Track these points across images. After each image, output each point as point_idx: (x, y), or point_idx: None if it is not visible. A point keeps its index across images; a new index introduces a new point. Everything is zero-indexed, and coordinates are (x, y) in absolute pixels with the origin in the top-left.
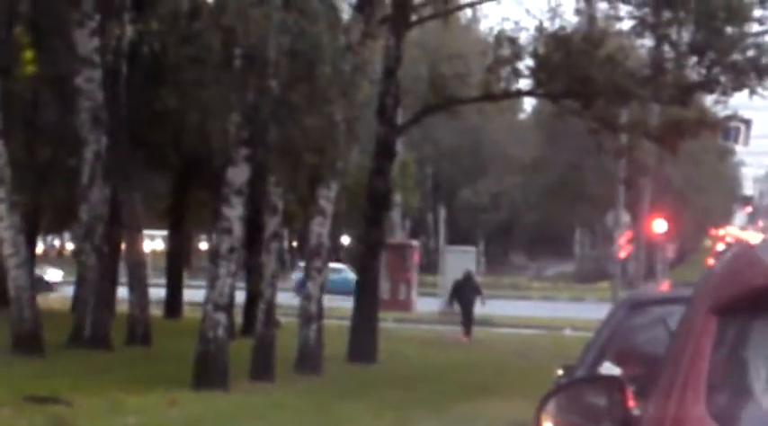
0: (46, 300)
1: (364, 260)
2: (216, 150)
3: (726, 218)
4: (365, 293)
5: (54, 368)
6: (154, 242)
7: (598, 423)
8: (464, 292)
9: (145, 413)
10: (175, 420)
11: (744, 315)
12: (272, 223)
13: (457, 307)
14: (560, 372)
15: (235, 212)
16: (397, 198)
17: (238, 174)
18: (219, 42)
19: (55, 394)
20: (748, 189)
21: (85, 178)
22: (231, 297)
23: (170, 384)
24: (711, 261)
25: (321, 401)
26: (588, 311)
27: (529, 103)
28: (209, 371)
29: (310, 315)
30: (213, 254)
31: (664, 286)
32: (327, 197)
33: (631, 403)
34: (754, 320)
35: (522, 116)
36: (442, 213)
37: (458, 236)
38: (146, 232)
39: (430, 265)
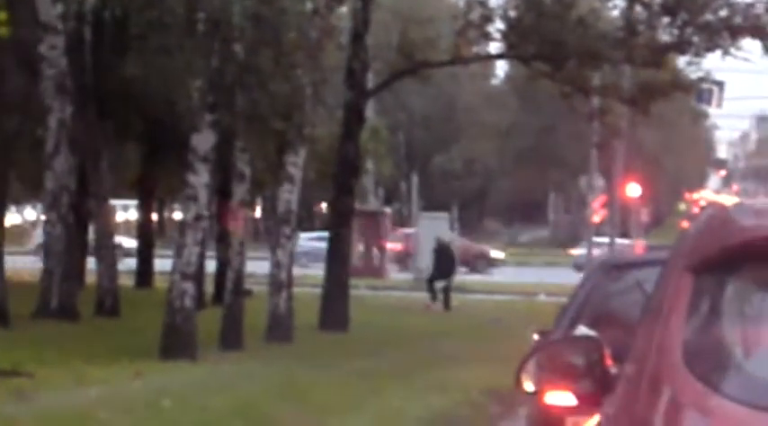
0: (16, 271)
1: (334, 227)
2: (181, 117)
3: (700, 182)
4: (335, 260)
5: (18, 340)
6: (128, 212)
7: (577, 382)
8: (442, 261)
9: (108, 385)
10: (139, 391)
11: (718, 273)
12: (239, 190)
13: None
14: (536, 337)
15: (200, 179)
16: (370, 165)
17: (203, 141)
18: (183, 6)
19: (17, 366)
20: (722, 152)
21: (50, 146)
22: (201, 265)
23: (137, 355)
24: (686, 225)
25: (289, 370)
26: (562, 276)
27: (501, 69)
28: (176, 341)
29: (280, 283)
30: (180, 223)
31: (638, 248)
32: (295, 163)
33: (609, 361)
34: (728, 278)
35: (494, 82)
36: (415, 180)
37: (432, 203)
38: (120, 202)
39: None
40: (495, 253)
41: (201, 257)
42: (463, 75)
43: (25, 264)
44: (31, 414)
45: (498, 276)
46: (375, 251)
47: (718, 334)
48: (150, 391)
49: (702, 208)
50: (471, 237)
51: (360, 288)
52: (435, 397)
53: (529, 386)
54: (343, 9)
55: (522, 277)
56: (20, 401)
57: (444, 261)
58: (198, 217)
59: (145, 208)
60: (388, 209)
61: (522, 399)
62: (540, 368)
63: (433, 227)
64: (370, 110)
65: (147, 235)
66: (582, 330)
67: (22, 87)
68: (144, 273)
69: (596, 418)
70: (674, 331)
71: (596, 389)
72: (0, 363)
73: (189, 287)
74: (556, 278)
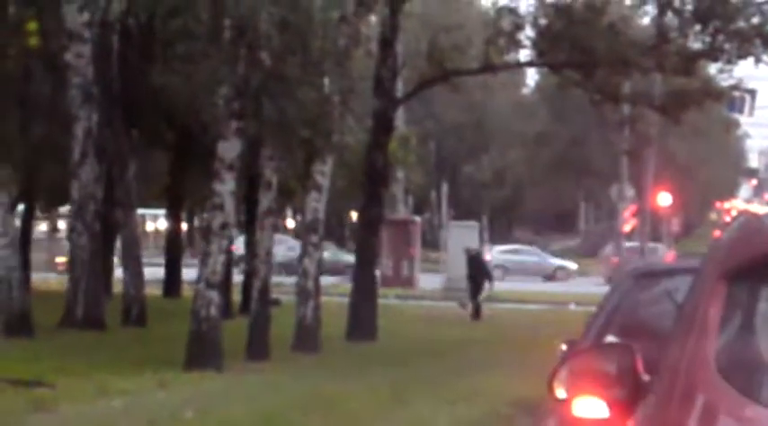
0: (45, 281)
1: (362, 236)
2: (205, 124)
3: (731, 192)
4: (364, 270)
5: (43, 350)
6: (157, 221)
7: (609, 390)
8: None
9: (131, 396)
10: (162, 402)
11: (752, 281)
12: (265, 199)
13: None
14: (564, 347)
15: (226, 187)
16: (399, 174)
17: (229, 149)
18: (208, 13)
19: (40, 376)
20: (753, 161)
21: (76, 155)
22: (229, 274)
23: (162, 365)
24: (718, 233)
25: (316, 381)
26: (593, 285)
27: (532, 78)
28: (201, 351)
29: (307, 293)
30: (205, 231)
31: (669, 257)
32: (322, 171)
33: (641, 369)
34: (763, 286)
35: (525, 91)
36: (445, 189)
37: (462, 212)
38: (149, 211)
39: (434, 241)
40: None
41: (228, 266)
42: (494, 84)
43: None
44: None
45: (529, 285)
46: (405, 260)
47: (754, 343)
48: (173, 402)
49: (734, 217)
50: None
51: (389, 298)
52: (463, 408)
53: (561, 393)
54: (372, 18)
55: (553, 286)
56: (40, 412)
57: (477, 270)
58: (224, 226)
59: (173, 218)
60: (417, 218)
61: (551, 409)
62: (572, 376)
63: (463, 236)
64: (399, 119)
65: (174, 243)
66: (611, 340)
67: (49, 96)
68: (172, 282)
69: None
70: (708, 339)
71: (628, 397)
72: (22, 373)
73: (214, 295)
74: (586, 287)
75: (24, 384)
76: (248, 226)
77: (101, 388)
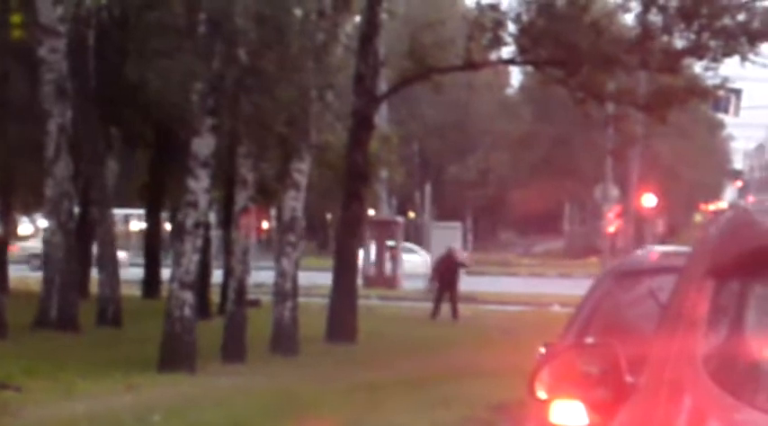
0: (23, 282)
1: (342, 236)
2: (179, 120)
3: (716, 193)
4: (343, 270)
5: (14, 352)
6: (143, 221)
7: (591, 392)
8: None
9: (98, 399)
10: (128, 406)
11: (741, 276)
12: (241, 197)
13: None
14: (543, 350)
15: (201, 185)
16: (383, 173)
17: (203, 145)
18: (183, 6)
19: (8, 378)
20: (738, 163)
21: (50, 152)
22: (206, 274)
23: (134, 367)
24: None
25: (290, 383)
26: (576, 287)
27: (516, 78)
28: (175, 353)
29: (285, 293)
30: (178, 230)
31: (652, 255)
32: (300, 170)
33: (625, 370)
34: (752, 281)
35: (509, 91)
36: (428, 189)
37: (446, 213)
38: (134, 211)
39: (417, 241)
40: None
41: (205, 266)
42: (478, 84)
43: (35, 274)
44: None
45: (513, 286)
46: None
47: (743, 341)
48: (141, 405)
49: (720, 212)
50: (486, 247)
51: (370, 298)
52: (441, 412)
53: (542, 394)
54: (357, 18)
55: (536, 287)
56: (4, 415)
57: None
58: (197, 224)
59: (152, 217)
60: (400, 219)
61: (530, 414)
62: (552, 377)
63: (446, 237)
64: (382, 119)
65: (153, 244)
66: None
67: (24, 92)
68: (151, 283)
69: None
70: (696, 338)
71: (611, 398)
72: None
73: (188, 296)
74: (570, 288)
75: None
76: (225, 225)
77: (67, 391)
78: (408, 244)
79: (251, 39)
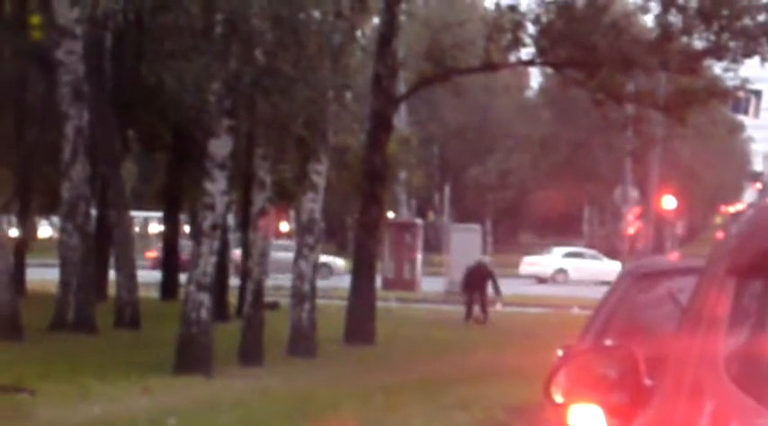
0: (42, 283)
1: (360, 238)
2: (196, 122)
3: (736, 195)
4: (362, 272)
5: (29, 354)
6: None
7: (609, 395)
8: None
9: (113, 402)
10: (144, 409)
11: (763, 275)
12: (259, 198)
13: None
14: (560, 353)
15: (217, 187)
16: (402, 175)
17: (220, 147)
18: (199, 7)
19: (22, 381)
20: (758, 165)
21: (67, 155)
22: (224, 277)
23: (150, 370)
24: (722, 234)
25: (307, 386)
26: (596, 289)
27: (536, 81)
28: (191, 355)
29: (303, 295)
30: (196, 232)
31: (673, 256)
32: (318, 171)
33: (644, 373)
34: None
35: (529, 93)
36: (448, 191)
37: (465, 215)
38: (153, 214)
39: (437, 244)
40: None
41: (223, 268)
42: (497, 87)
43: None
44: None
45: (533, 289)
46: (406, 263)
47: (766, 343)
48: (156, 408)
49: (741, 211)
50: (506, 250)
51: (390, 301)
52: (458, 414)
53: (559, 397)
54: (375, 19)
55: (556, 290)
56: (17, 418)
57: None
58: (214, 227)
59: (170, 219)
60: (419, 221)
61: (547, 417)
62: (569, 380)
63: (465, 240)
64: (402, 122)
65: (172, 245)
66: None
67: (41, 95)
68: (169, 285)
69: None
70: (717, 340)
71: (629, 402)
72: (6, 378)
73: (205, 298)
74: (590, 291)
75: (3, 389)
76: (243, 227)
77: (83, 393)
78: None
79: (268, 39)
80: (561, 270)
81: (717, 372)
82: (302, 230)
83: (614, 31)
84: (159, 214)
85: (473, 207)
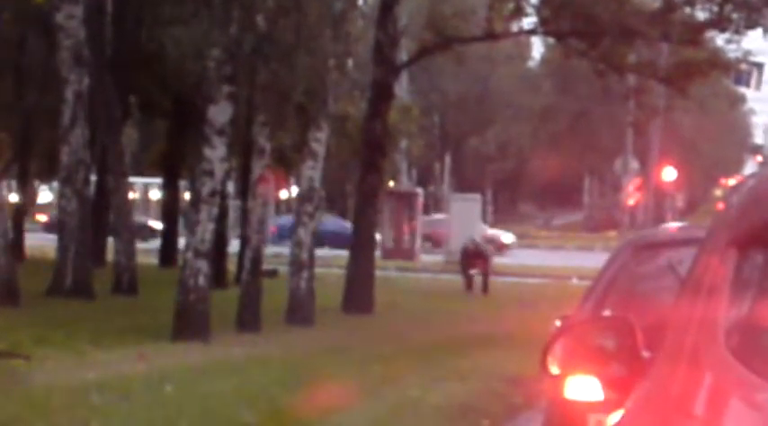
0: (40, 248)
1: (360, 206)
2: (196, 88)
3: (736, 168)
4: (361, 241)
5: (26, 319)
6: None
7: (606, 367)
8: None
9: (109, 368)
10: (139, 375)
11: (764, 246)
12: (258, 166)
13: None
14: (558, 323)
15: (217, 153)
16: (402, 144)
17: (220, 113)
18: None
19: (18, 346)
20: (759, 138)
21: (66, 120)
22: (222, 244)
23: (147, 335)
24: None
25: (305, 354)
26: (596, 260)
27: (537, 51)
28: (189, 322)
29: (301, 263)
30: (194, 198)
31: (672, 227)
32: (318, 139)
33: (641, 345)
34: None
35: (530, 64)
36: (448, 161)
37: (465, 185)
38: (153, 180)
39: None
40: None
41: (221, 235)
42: (499, 57)
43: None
44: (17, 398)
45: (532, 259)
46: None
47: (765, 315)
48: (153, 375)
49: (742, 181)
50: (506, 220)
51: (389, 270)
52: (455, 385)
53: (555, 369)
54: None
55: (555, 260)
56: (10, 383)
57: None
58: (213, 193)
59: (170, 186)
60: (419, 190)
61: (545, 389)
62: (565, 351)
63: (465, 210)
64: (403, 91)
65: (170, 213)
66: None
67: (41, 59)
68: (167, 252)
69: (620, 412)
70: (716, 312)
71: (626, 374)
72: (1, 343)
73: (203, 265)
74: (589, 261)
75: None
76: (243, 194)
77: (78, 359)
78: None
79: (268, 6)
80: None
81: (716, 344)
82: (301, 198)
83: (616, 2)
84: (159, 180)
85: (473, 176)
